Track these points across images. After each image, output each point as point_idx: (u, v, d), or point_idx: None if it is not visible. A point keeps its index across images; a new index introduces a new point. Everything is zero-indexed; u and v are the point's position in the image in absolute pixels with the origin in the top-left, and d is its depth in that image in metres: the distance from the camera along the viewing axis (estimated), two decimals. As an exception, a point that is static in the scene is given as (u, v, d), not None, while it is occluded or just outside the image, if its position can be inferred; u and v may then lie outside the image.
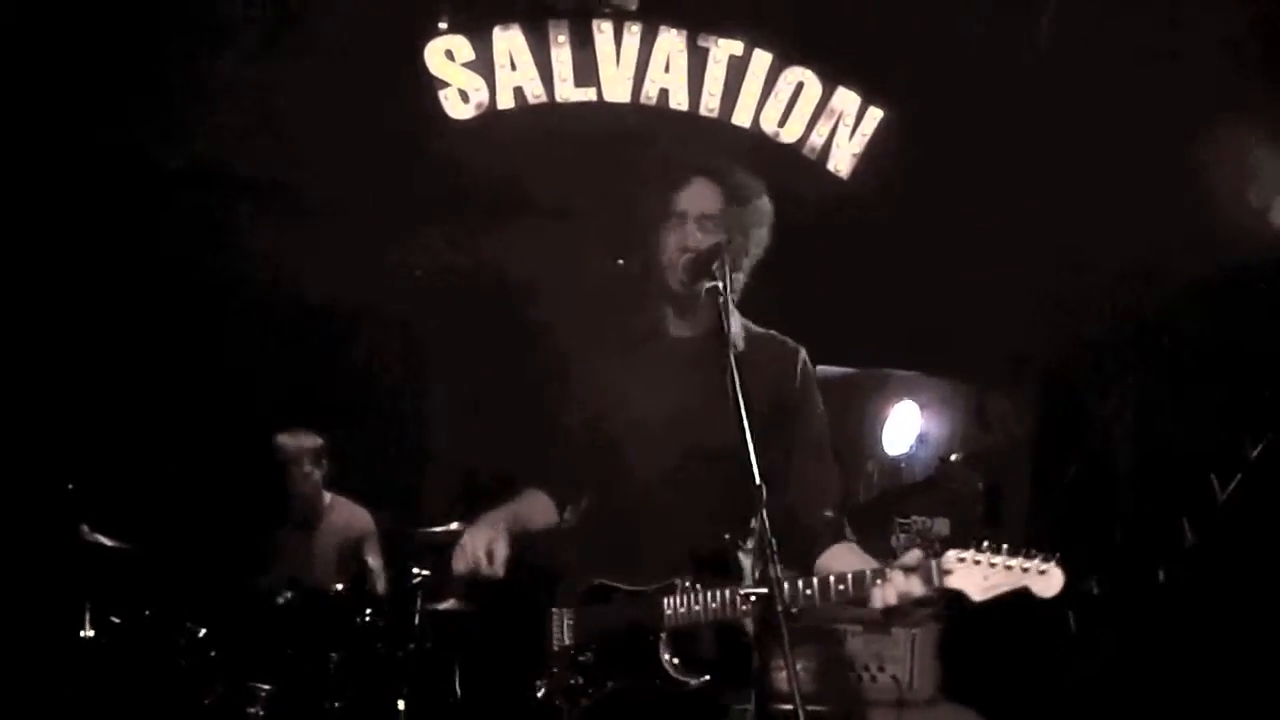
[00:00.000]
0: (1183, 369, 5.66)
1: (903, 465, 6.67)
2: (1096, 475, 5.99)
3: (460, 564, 2.94)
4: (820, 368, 3.13)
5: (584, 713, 2.90)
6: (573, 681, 2.90)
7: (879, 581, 2.67)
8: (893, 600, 2.65)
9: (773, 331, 3.11)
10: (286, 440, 5.60)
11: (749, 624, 2.93)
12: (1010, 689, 5.18)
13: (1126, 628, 5.60)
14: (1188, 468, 5.60)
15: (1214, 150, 4.99)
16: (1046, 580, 2.55)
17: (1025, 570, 2.56)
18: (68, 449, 5.43)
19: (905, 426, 6.62)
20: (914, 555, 2.67)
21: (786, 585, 2.73)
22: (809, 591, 2.76)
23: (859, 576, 2.73)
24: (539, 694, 2.93)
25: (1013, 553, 2.57)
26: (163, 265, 5.58)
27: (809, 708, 4.19)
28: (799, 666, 4.25)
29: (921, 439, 6.60)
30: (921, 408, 6.59)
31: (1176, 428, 5.71)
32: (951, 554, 2.61)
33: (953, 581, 2.60)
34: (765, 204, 3.03)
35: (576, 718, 2.90)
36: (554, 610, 2.95)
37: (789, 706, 4.18)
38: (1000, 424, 6.30)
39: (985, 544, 2.59)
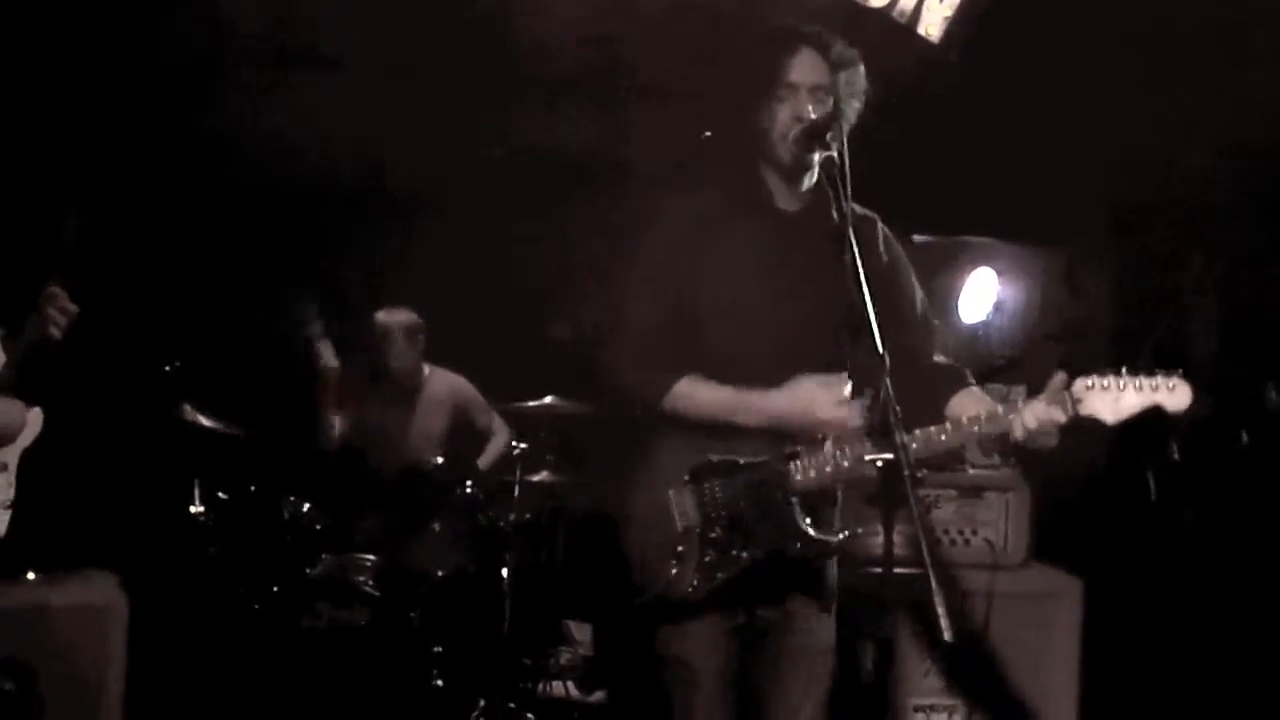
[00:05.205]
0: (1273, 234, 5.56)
1: (979, 334, 6.62)
2: (1181, 340, 5.94)
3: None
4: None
5: (719, 587, 2.94)
6: (706, 559, 2.92)
7: (1023, 407, 2.76)
8: (1034, 426, 2.72)
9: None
10: (384, 317, 5.63)
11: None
12: (1101, 552, 5.24)
13: (1208, 492, 5.61)
14: (1273, 333, 5.55)
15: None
16: (1176, 395, 2.65)
17: (1155, 389, 2.65)
18: (166, 332, 5.51)
19: (981, 294, 6.54)
20: (1052, 384, 2.75)
21: (918, 433, 2.81)
22: (943, 437, 2.83)
23: (994, 413, 2.81)
24: (671, 573, 2.93)
25: (1137, 373, 2.66)
26: (249, 147, 5.56)
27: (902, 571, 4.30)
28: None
29: (998, 307, 6.54)
30: (999, 274, 6.51)
31: (1263, 292, 5.64)
32: (1079, 382, 2.70)
33: (1085, 409, 2.69)
34: (862, 73, 3.00)
35: (710, 594, 2.94)
36: (671, 491, 2.95)
37: (904, 570, 4.33)
38: (1088, 291, 6.22)
39: (1109, 370, 2.68)
